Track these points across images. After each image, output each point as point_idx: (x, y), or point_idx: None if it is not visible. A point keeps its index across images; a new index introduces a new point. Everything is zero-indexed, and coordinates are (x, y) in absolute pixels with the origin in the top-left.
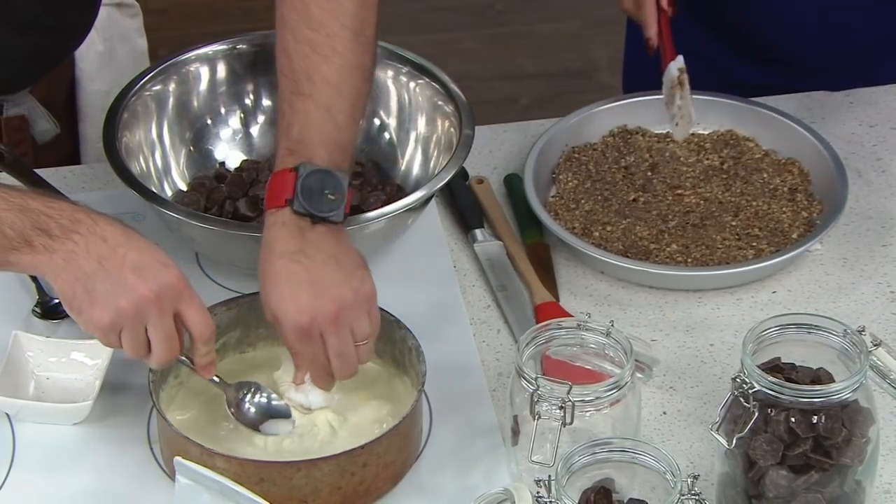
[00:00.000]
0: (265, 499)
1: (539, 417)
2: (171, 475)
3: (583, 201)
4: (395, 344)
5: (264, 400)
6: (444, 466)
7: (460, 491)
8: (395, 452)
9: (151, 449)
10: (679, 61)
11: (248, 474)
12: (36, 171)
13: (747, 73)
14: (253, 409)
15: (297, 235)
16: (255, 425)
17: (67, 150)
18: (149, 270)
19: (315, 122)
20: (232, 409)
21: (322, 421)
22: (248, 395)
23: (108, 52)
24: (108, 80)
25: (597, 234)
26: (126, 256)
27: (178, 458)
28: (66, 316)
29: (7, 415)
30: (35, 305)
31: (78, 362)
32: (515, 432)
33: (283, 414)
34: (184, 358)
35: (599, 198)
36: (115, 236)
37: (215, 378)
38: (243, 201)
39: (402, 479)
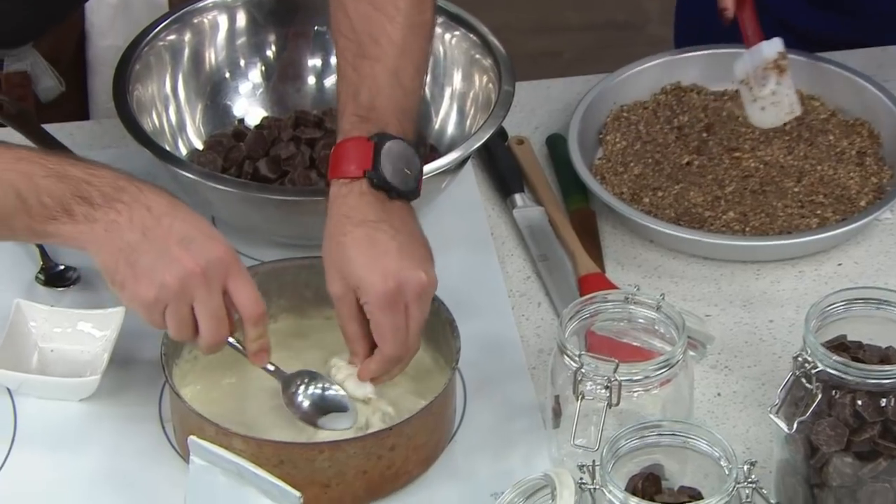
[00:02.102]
0: (284, 482)
1: (583, 398)
2: (185, 456)
3: (632, 164)
4: (436, 329)
5: (318, 391)
6: (479, 450)
7: (496, 476)
8: (426, 434)
9: (163, 427)
10: (778, 44)
11: (268, 456)
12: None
13: (813, 23)
14: (307, 403)
15: (377, 207)
16: (311, 420)
17: (74, 111)
18: (196, 243)
19: (385, 87)
20: (286, 402)
21: (377, 415)
22: (302, 387)
23: (122, 3)
24: (121, 35)
25: (647, 199)
26: (172, 227)
27: (192, 438)
28: (73, 283)
29: (8, 389)
30: (39, 272)
31: (85, 333)
32: (557, 414)
33: (341, 407)
34: (234, 342)
35: (650, 161)
36: (161, 205)
37: (269, 366)
38: (264, 161)
39: (433, 462)
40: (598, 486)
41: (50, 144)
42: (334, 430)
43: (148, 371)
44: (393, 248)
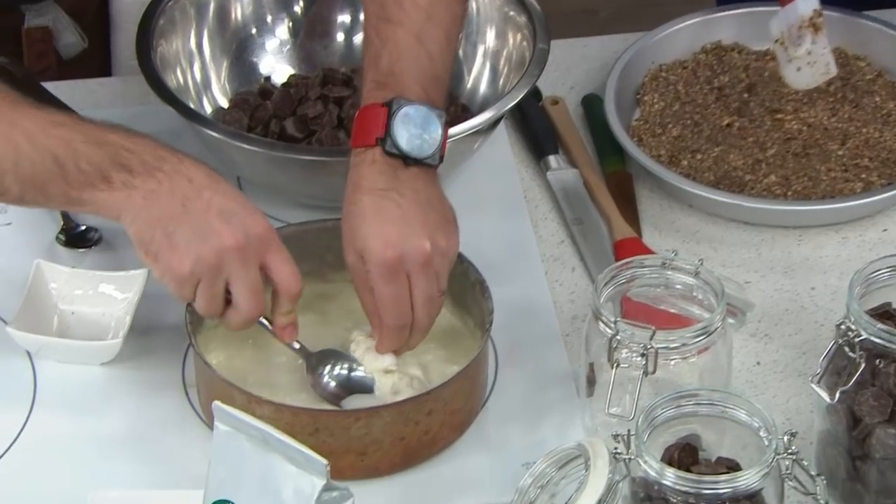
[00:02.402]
0: (319, 451)
1: (618, 365)
2: (208, 422)
3: (670, 126)
4: (455, 279)
5: (344, 371)
6: (511, 418)
7: (529, 446)
8: (462, 399)
9: (187, 393)
10: (813, 1)
11: (302, 424)
12: (59, 83)
13: None
14: (333, 384)
15: (388, 174)
16: (336, 401)
17: (96, 67)
18: (236, 217)
19: (407, 52)
20: (311, 382)
21: (404, 380)
22: (328, 367)
23: None
24: None
25: (685, 162)
26: (212, 200)
27: (216, 403)
28: (94, 244)
29: (28, 353)
30: (59, 232)
31: (106, 296)
32: (591, 382)
33: (366, 388)
34: (264, 320)
35: (689, 122)
36: (201, 177)
37: (295, 343)
38: (291, 121)
39: (466, 429)
40: (633, 457)
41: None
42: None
43: (171, 335)
44: (397, 216)
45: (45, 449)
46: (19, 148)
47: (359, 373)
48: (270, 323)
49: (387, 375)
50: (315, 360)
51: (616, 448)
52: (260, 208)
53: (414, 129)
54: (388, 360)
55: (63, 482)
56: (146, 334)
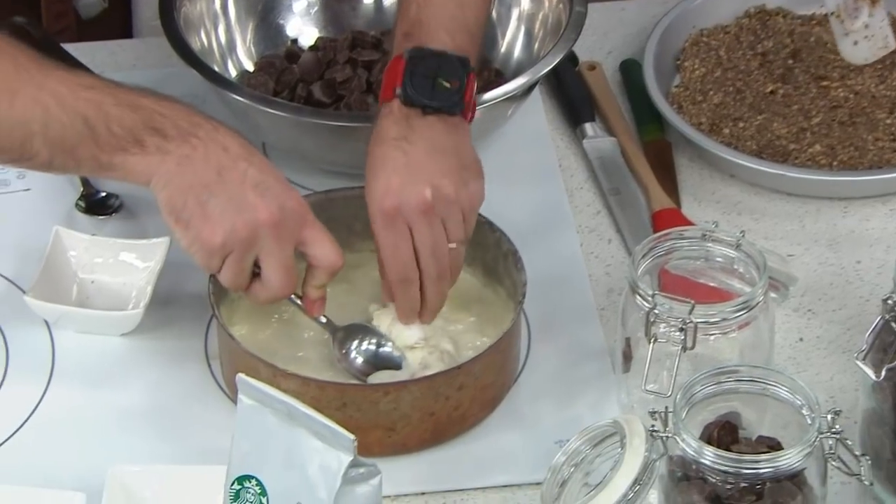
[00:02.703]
0: (346, 426)
1: (655, 340)
2: (232, 395)
3: (711, 93)
4: (487, 249)
5: (372, 347)
6: (544, 394)
7: (562, 423)
8: (493, 374)
9: (209, 365)
10: None
11: (329, 398)
12: (79, 44)
13: None
14: (360, 360)
15: (402, 124)
16: (362, 377)
17: (117, 29)
18: (271, 191)
19: (435, 0)
20: (338, 357)
21: (434, 354)
22: (355, 343)
23: None
24: None
25: (727, 131)
26: (248, 172)
27: (240, 376)
28: (115, 211)
29: (46, 322)
30: (79, 198)
31: (127, 264)
32: (627, 357)
33: (394, 363)
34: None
35: (731, 89)
36: (237, 147)
37: (322, 318)
38: (318, 85)
39: (497, 405)
40: (670, 435)
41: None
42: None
43: (194, 305)
44: (401, 164)
45: (63, 422)
46: (49, 110)
47: (387, 349)
48: (297, 297)
49: (416, 350)
50: (342, 335)
51: (653, 425)
52: (286, 176)
53: (434, 77)
54: (415, 334)
55: (81, 456)
56: (168, 304)
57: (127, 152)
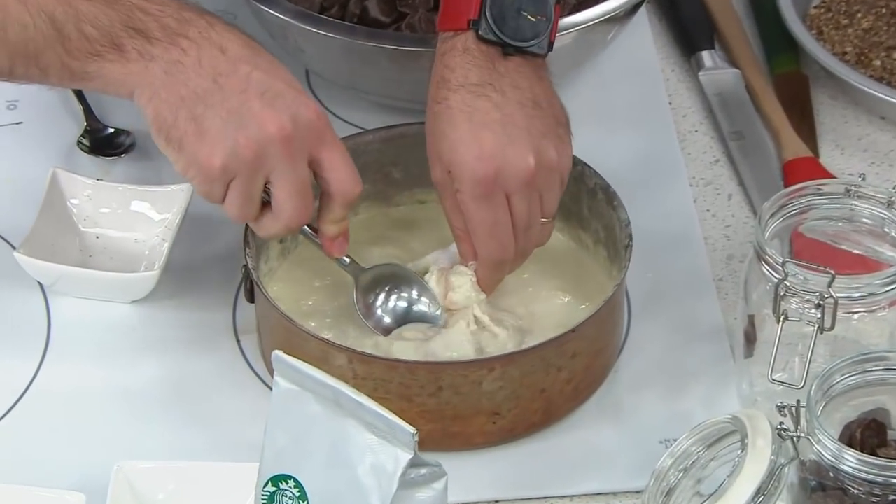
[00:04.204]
0: (443, 415)
1: (785, 319)
2: (267, 378)
3: (859, 15)
4: (579, 200)
5: (403, 304)
6: (647, 383)
7: (669, 418)
8: (604, 338)
9: (238, 341)
10: None
11: (422, 383)
12: None
13: None
14: (387, 318)
15: (484, 66)
16: (385, 331)
17: None
18: (281, 99)
19: None
20: (360, 307)
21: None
22: (382, 296)
23: None
24: None
25: (877, 62)
26: (251, 77)
27: (277, 354)
28: (125, 150)
29: (40, 285)
30: (82, 135)
31: (140, 215)
32: (750, 339)
33: (429, 321)
34: (307, 227)
35: (883, 11)
36: (237, 47)
37: (346, 258)
38: (375, 1)
39: (602, 383)
40: (802, 435)
41: None
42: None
43: (220, 267)
44: (495, 120)
45: (60, 408)
46: (7, 8)
47: (422, 307)
48: (315, 232)
49: (463, 311)
50: (368, 280)
51: (781, 423)
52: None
53: (517, 9)
54: (480, 297)
55: (81, 449)
56: (189, 266)
57: (103, 59)
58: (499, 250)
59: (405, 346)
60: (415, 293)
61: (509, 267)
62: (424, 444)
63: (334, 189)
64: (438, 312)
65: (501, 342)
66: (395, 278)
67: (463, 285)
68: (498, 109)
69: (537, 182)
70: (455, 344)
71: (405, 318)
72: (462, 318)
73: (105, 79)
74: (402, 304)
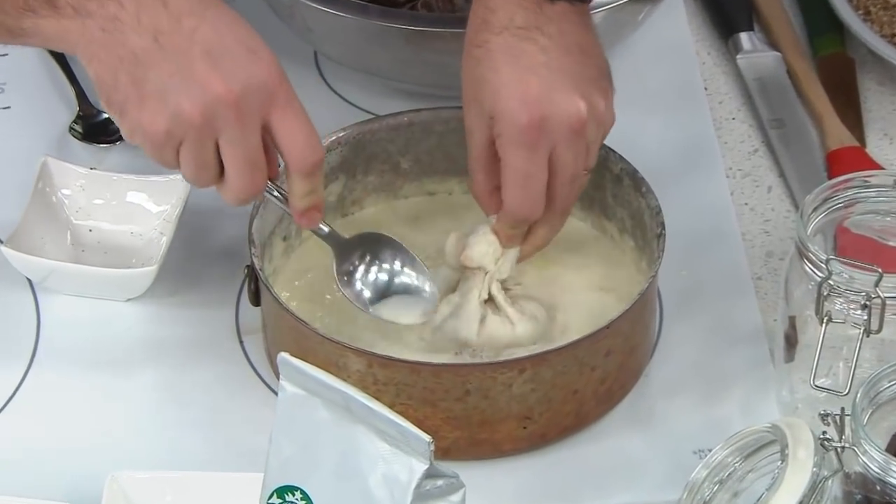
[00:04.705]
0: (469, 421)
1: (829, 320)
2: (272, 381)
3: None
4: (602, 187)
5: (384, 277)
6: (680, 389)
7: (703, 426)
8: (638, 334)
9: (241, 343)
10: None
11: (448, 386)
12: None
13: None
14: (368, 292)
15: (530, 8)
16: (364, 304)
17: None
18: (229, 56)
19: None
20: (339, 279)
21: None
22: (362, 268)
23: None
24: None
25: None
26: (196, 33)
27: (283, 356)
28: (121, 138)
29: (29, 282)
30: (74, 120)
31: (136, 207)
32: (791, 342)
33: (413, 294)
34: (277, 195)
35: None
36: (182, 1)
37: (323, 227)
38: None
39: (634, 385)
40: (847, 445)
41: None
42: (392, 322)
43: (222, 262)
44: (541, 63)
45: (50, 413)
46: None
47: (405, 279)
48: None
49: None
50: (348, 250)
51: (824, 433)
52: (269, 49)
53: None
54: (505, 264)
55: (72, 458)
56: (189, 261)
57: (36, 14)
58: (527, 205)
59: (409, 329)
60: (398, 264)
61: (540, 233)
62: (450, 452)
63: (290, 158)
64: (427, 287)
65: (513, 333)
66: (372, 247)
67: (479, 242)
68: (544, 53)
69: (586, 132)
70: (465, 318)
71: (386, 290)
72: (475, 286)
73: (42, 35)
74: (384, 279)
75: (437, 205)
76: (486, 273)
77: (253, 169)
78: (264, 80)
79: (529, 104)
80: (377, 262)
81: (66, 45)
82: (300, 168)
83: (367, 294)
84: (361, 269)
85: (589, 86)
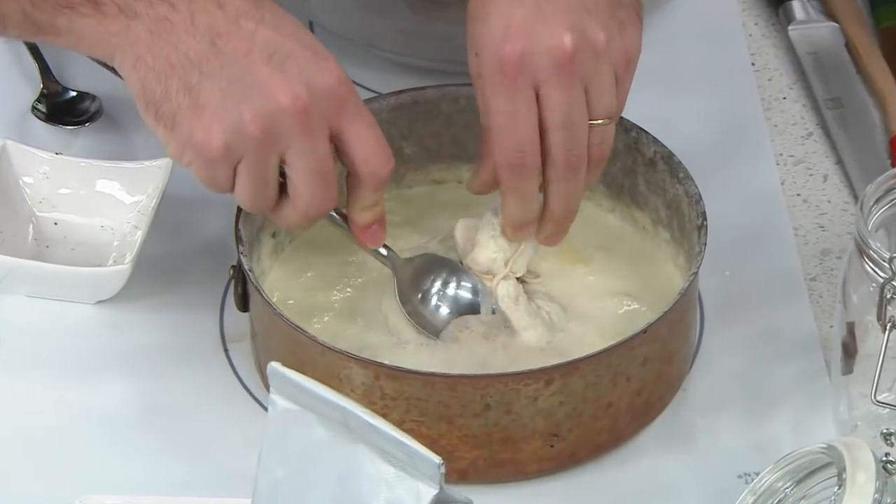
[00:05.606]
0: (490, 438)
1: (893, 327)
2: (261, 395)
3: None
4: (634, 173)
5: (451, 290)
6: (723, 405)
7: (750, 447)
8: (678, 340)
9: (226, 351)
10: None
11: (465, 400)
12: None
13: None
14: (445, 310)
15: None
16: (436, 330)
17: None
18: (293, 62)
19: None
20: (405, 304)
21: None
22: (438, 283)
23: None
24: None
25: None
26: (256, 36)
27: (273, 366)
28: (91, 118)
29: None
30: (37, 99)
31: (107, 197)
32: (850, 352)
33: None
34: (335, 214)
35: None
36: (239, 1)
37: (382, 250)
38: None
39: (672, 398)
40: None
41: None
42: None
43: (205, 260)
44: None
45: (9, 432)
46: None
47: (466, 291)
48: (345, 219)
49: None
50: (412, 273)
51: (887, 454)
52: (331, 54)
53: None
54: (522, 259)
55: (35, 480)
56: (167, 259)
57: (75, 11)
58: (516, 148)
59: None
60: (462, 280)
61: (563, 202)
62: (467, 475)
63: (361, 169)
64: (485, 305)
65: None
66: (440, 264)
67: (486, 246)
68: None
69: (575, 68)
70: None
71: (454, 306)
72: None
73: (77, 35)
74: (451, 292)
75: (444, 194)
76: (494, 278)
77: (324, 182)
78: (332, 86)
79: (509, 38)
80: (441, 285)
81: (104, 49)
82: (373, 179)
83: (444, 312)
84: (437, 288)
85: (585, 16)
